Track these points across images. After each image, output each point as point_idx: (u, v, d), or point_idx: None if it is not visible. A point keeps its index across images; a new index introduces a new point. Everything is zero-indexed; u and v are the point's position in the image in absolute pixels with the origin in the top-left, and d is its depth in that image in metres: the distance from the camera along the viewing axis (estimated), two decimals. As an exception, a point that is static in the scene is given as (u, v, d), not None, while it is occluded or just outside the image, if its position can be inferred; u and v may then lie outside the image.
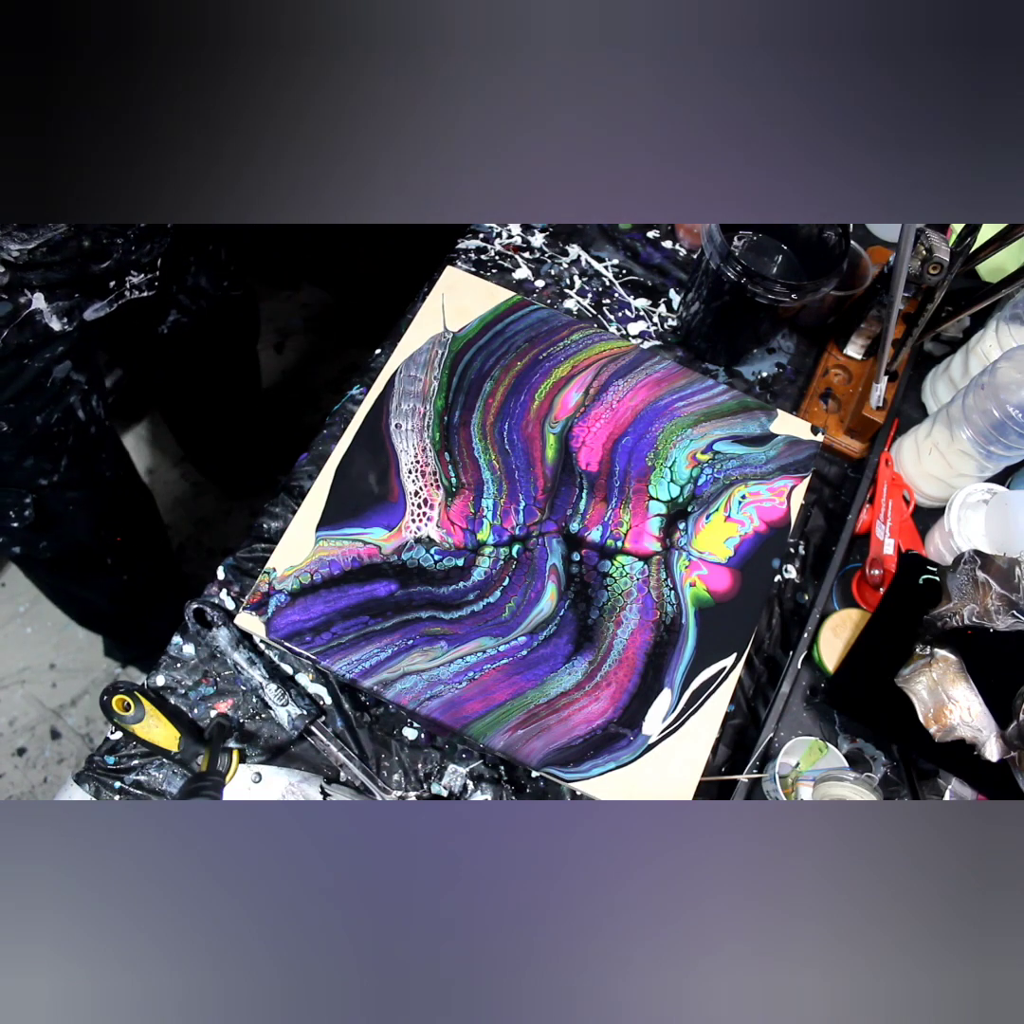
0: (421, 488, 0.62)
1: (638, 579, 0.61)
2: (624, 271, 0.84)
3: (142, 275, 0.69)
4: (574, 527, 0.63)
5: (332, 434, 0.73)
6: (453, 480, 0.63)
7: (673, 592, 0.61)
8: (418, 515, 0.62)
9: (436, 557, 0.61)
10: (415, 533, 0.61)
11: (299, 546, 0.60)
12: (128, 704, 0.56)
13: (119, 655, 1.35)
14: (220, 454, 1.28)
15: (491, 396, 0.66)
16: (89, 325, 0.68)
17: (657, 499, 0.64)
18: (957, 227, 0.71)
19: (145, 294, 0.71)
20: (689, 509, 0.64)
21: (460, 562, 0.60)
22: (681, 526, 0.64)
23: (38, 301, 0.63)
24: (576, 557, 0.62)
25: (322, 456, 0.70)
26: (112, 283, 0.67)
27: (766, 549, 0.64)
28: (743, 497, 0.65)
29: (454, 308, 0.69)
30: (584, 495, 0.64)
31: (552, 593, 0.60)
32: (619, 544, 0.62)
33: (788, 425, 0.69)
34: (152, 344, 0.80)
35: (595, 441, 0.66)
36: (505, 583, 0.60)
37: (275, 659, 0.65)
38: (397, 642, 0.58)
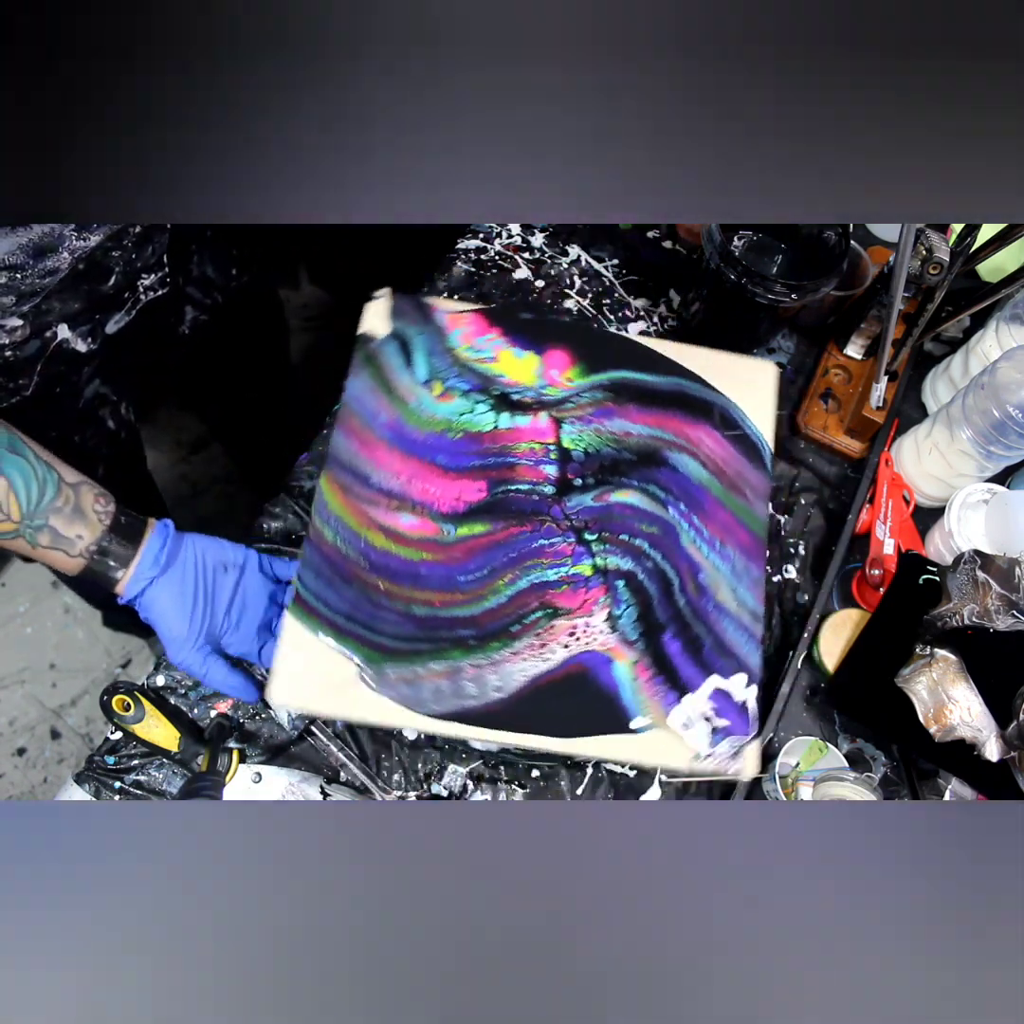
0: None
1: None
2: (624, 271, 0.84)
3: (153, 276, 0.69)
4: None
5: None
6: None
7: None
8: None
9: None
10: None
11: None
12: (128, 704, 0.56)
13: (122, 621, 1.35)
14: (256, 444, 1.27)
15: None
16: (112, 337, 0.68)
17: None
18: (957, 227, 0.71)
19: (160, 293, 0.71)
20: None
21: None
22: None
23: (63, 331, 0.63)
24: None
25: (321, 456, 0.69)
26: (126, 294, 0.67)
27: None
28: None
29: None
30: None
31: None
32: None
33: None
34: (174, 344, 0.80)
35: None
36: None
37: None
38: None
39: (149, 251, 0.66)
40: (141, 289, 0.68)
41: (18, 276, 0.56)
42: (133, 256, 0.64)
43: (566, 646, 0.58)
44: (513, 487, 0.61)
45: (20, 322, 0.59)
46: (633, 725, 0.56)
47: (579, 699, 0.57)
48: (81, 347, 0.65)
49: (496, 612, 0.58)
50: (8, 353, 0.60)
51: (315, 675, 0.55)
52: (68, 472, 0.56)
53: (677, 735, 0.56)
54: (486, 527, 0.60)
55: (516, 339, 0.65)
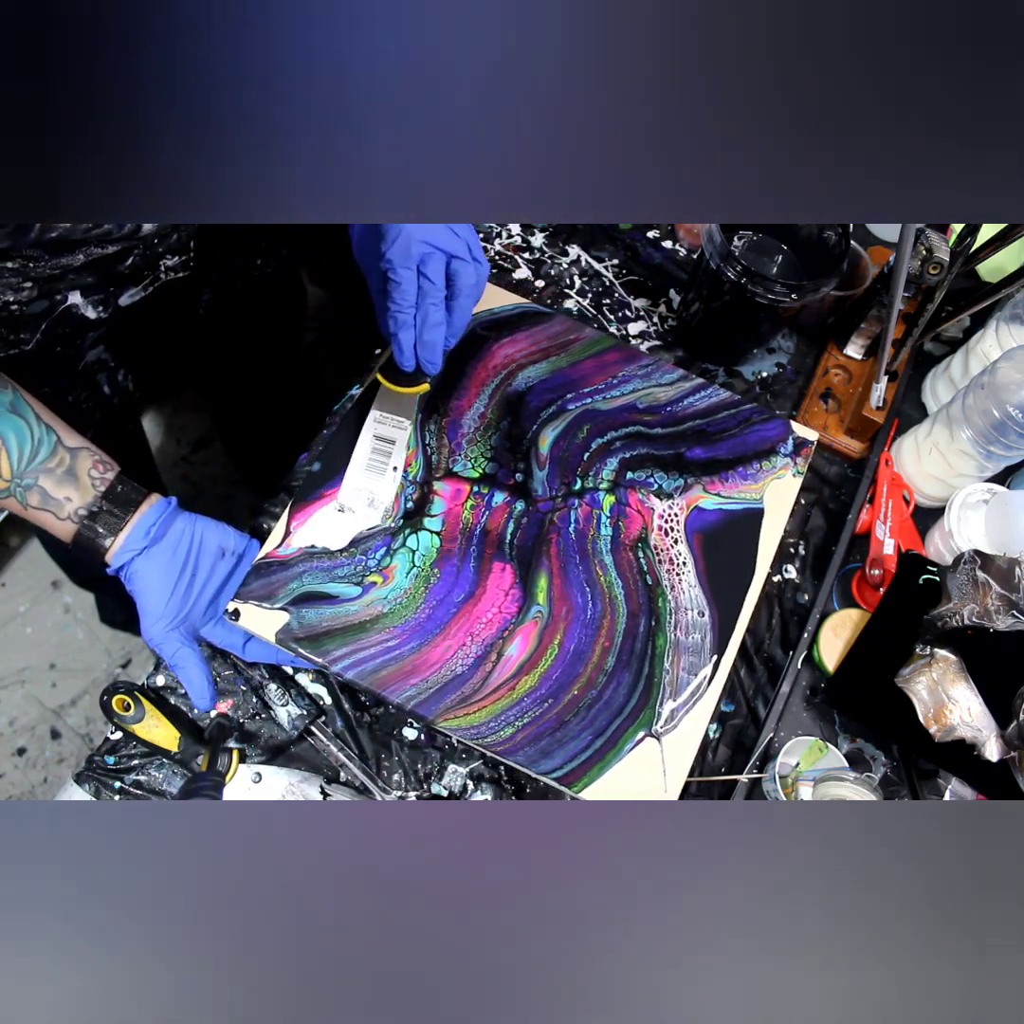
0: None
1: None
2: (624, 271, 0.84)
3: (176, 258, 0.68)
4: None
5: (332, 434, 0.73)
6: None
7: None
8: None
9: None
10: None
11: None
12: (128, 704, 0.56)
13: (119, 617, 1.34)
14: (259, 443, 1.27)
15: None
16: (124, 309, 0.68)
17: None
18: (957, 227, 0.71)
19: (181, 275, 0.70)
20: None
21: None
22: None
23: (74, 297, 0.63)
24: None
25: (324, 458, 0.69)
26: (145, 272, 0.67)
27: None
28: None
29: None
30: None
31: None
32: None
33: None
34: (190, 325, 0.79)
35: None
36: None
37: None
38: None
39: (173, 238, 0.65)
40: (162, 269, 0.68)
41: (31, 265, 0.56)
42: (155, 241, 0.64)
43: (677, 541, 0.62)
44: (508, 537, 0.61)
45: (29, 285, 0.58)
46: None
47: (729, 546, 0.63)
48: (90, 314, 0.65)
49: (632, 597, 0.60)
50: (13, 307, 0.60)
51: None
52: (70, 437, 0.56)
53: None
54: (544, 574, 0.60)
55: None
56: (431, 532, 0.61)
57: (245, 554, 0.60)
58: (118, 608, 1.33)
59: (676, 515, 0.63)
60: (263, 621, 0.57)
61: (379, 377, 0.59)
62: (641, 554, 0.61)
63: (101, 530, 0.55)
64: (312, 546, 0.59)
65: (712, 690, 0.58)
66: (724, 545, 0.62)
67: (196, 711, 0.63)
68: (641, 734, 0.56)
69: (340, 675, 0.56)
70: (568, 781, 0.54)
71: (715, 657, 0.59)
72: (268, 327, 0.98)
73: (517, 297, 0.71)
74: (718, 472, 0.65)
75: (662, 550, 0.62)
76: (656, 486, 0.64)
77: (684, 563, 0.61)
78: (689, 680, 0.58)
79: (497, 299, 0.71)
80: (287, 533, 0.60)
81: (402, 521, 0.61)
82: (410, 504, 0.62)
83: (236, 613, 0.57)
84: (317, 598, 0.58)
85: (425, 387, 0.59)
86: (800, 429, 0.68)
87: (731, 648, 0.59)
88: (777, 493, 0.65)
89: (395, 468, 0.61)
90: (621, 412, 0.66)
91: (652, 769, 0.55)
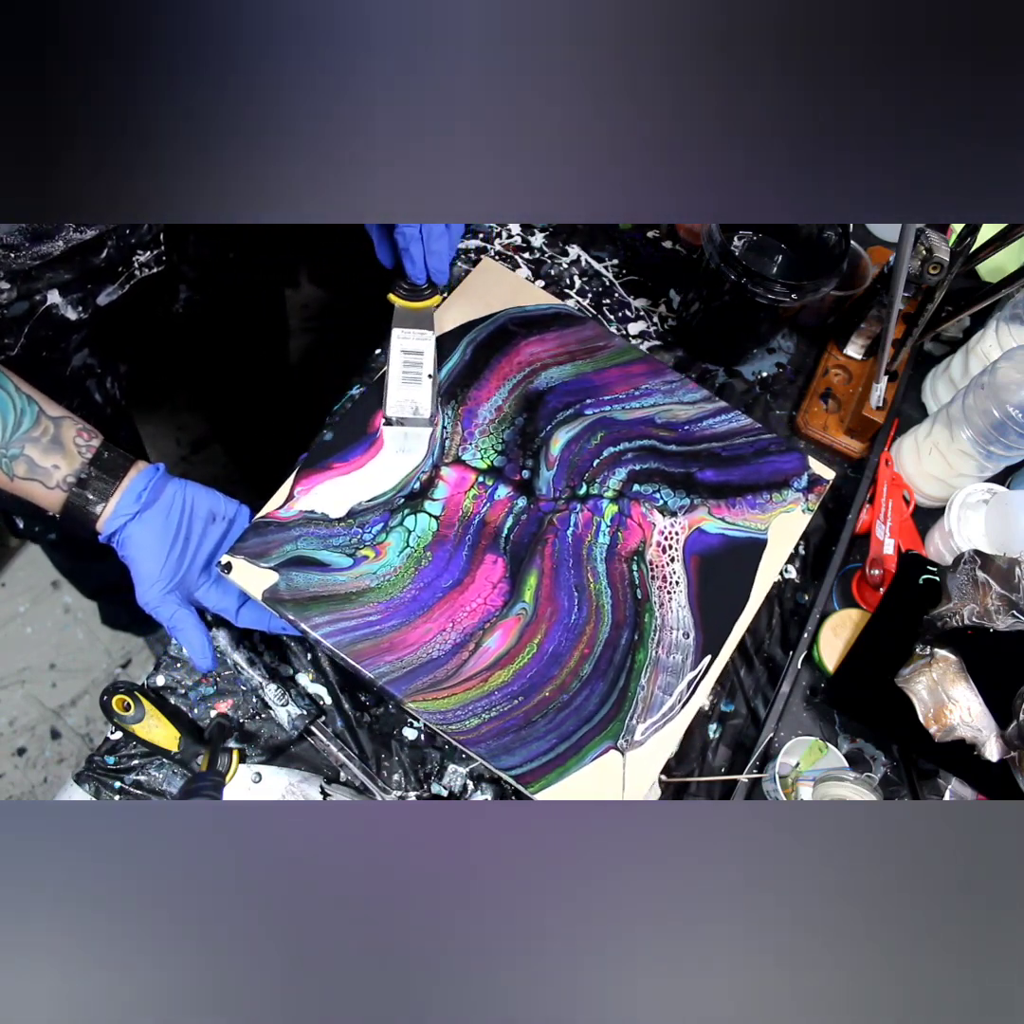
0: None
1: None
2: (624, 271, 0.84)
3: (149, 253, 0.68)
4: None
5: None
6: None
7: None
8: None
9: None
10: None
11: None
12: (128, 704, 0.56)
13: (122, 620, 1.35)
14: (258, 443, 1.26)
15: None
16: (103, 310, 0.68)
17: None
18: (957, 227, 0.71)
19: (155, 270, 0.70)
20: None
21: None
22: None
23: (53, 296, 0.63)
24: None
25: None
26: (119, 268, 0.67)
27: None
28: None
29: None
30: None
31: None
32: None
33: None
34: (170, 325, 0.79)
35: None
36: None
37: (275, 659, 0.65)
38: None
39: (144, 228, 0.65)
40: (136, 265, 0.67)
41: (12, 255, 0.56)
42: (127, 231, 0.64)
43: (673, 559, 0.62)
44: (505, 531, 0.61)
45: (8, 285, 0.58)
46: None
47: (725, 573, 0.62)
48: (71, 315, 0.65)
49: (619, 609, 0.60)
50: None
51: None
52: (51, 406, 0.56)
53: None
54: (535, 572, 0.60)
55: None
56: (430, 515, 0.61)
57: (235, 520, 0.61)
58: (121, 612, 1.33)
59: (677, 534, 0.62)
60: (253, 578, 0.57)
61: (392, 298, 0.63)
62: (635, 567, 0.61)
63: (91, 497, 0.55)
64: (312, 511, 0.60)
65: (684, 713, 0.57)
66: (721, 571, 0.62)
67: (196, 670, 0.63)
68: (607, 745, 0.56)
69: (319, 641, 0.56)
70: (526, 781, 0.54)
71: (693, 680, 0.58)
72: (250, 324, 0.98)
73: (553, 297, 0.71)
74: (726, 497, 0.64)
75: (657, 566, 0.61)
76: (661, 502, 0.63)
77: (677, 582, 0.61)
78: (663, 699, 0.57)
79: (532, 297, 0.71)
80: (290, 496, 0.60)
81: (403, 502, 0.61)
82: (416, 485, 0.62)
83: (228, 566, 0.57)
84: (308, 563, 0.58)
85: (438, 299, 0.63)
86: (817, 466, 0.67)
87: (711, 675, 0.58)
88: (783, 527, 0.64)
89: (429, 376, 0.63)
90: (638, 424, 0.66)
91: (612, 783, 0.55)
